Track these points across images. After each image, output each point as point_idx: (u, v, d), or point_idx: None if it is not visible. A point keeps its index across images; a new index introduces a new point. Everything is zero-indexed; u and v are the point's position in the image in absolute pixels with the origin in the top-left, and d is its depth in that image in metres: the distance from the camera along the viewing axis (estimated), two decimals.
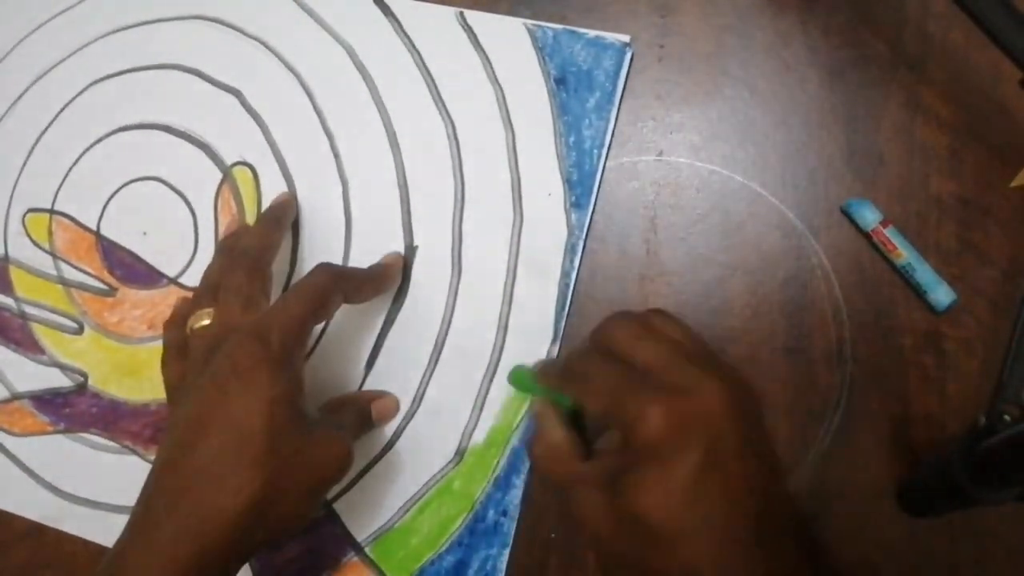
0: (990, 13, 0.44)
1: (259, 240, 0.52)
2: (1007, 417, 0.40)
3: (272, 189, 0.58)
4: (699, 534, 0.36)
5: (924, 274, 0.50)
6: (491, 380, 0.53)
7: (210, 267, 0.53)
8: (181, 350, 0.51)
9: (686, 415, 0.37)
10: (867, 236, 0.51)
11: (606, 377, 0.41)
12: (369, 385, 0.54)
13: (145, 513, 0.43)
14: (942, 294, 0.50)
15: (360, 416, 0.52)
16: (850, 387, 0.51)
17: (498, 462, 0.52)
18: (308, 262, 0.56)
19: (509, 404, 0.52)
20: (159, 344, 0.52)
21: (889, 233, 0.51)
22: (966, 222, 0.52)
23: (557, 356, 0.53)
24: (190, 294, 0.56)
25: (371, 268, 0.53)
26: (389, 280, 0.54)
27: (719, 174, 0.54)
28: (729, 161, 0.54)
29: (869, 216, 0.51)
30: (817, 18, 0.55)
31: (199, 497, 0.42)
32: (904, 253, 0.50)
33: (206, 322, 0.49)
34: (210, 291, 0.50)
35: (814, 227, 0.53)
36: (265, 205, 0.57)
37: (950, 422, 0.50)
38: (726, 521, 0.36)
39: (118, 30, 0.62)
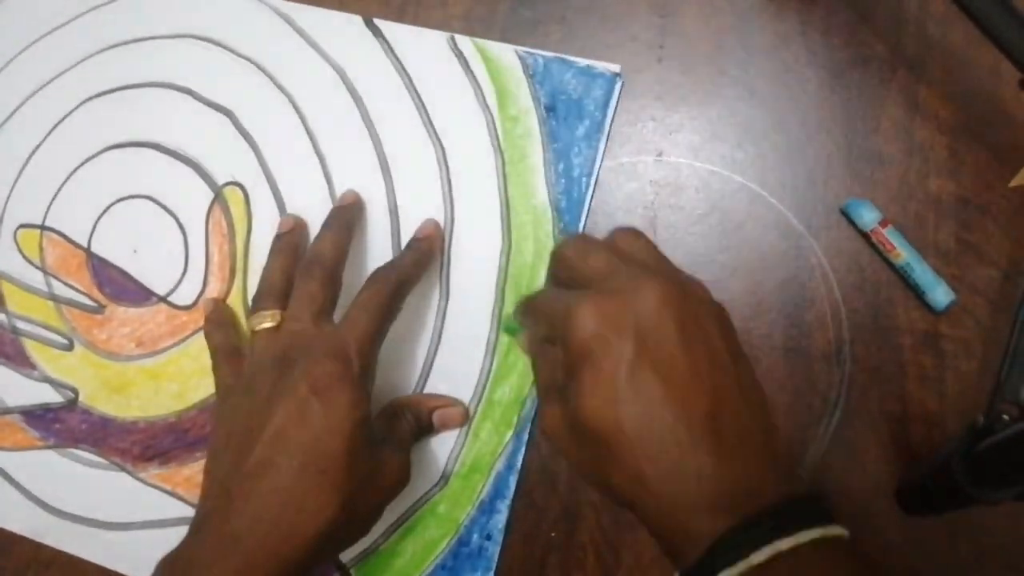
0: (990, 13, 0.44)
1: (333, 247, 0.51)
2: (1006, 417, 0.40)
3: (263, 210, 0.57)
4: (642, 438, 0.34)
5: (923, 274, 0.50)
6: (478, 403, 0.53)
7: (270, 267, 0.52)
8: (232, 352, 0.52)
9: (615, 313, 0.36)
10: (866, 236, 0.52)
11: (550, 298, 0.41)
12: None
13: (221, 524, 0.42)
14: (941, 294, 0.50)
15: (418, 423, 0.51)
16: (849, 387, 0.51)
17: (483, 486, 0.52)
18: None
19: (495, 429, 0.53)
20: (147, 362, 0.53)
21: (888, 233, 0.51)
22: (965, 222, 0.52)
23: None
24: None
25: (415, 251, 0.53)
26: (432, 255, 0.54)
27: (719, 174, 0.54)
28: (729, 161, 0.54)
29: (868, 216, 0.51)
30: (817, 19, 0.55)
31: (280, 515, 0.42)
32: (903, 253, 0.50)
33: (269, 324, 0.49)
34: (272, 293, 0.50)
35: (813, 227, 0.53)
36: (257, 226, 0.57)
37: (949, 422, 0.50)
38: (670, 423, 0.34)
39: (110, 47, 0.62)
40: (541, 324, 0.40)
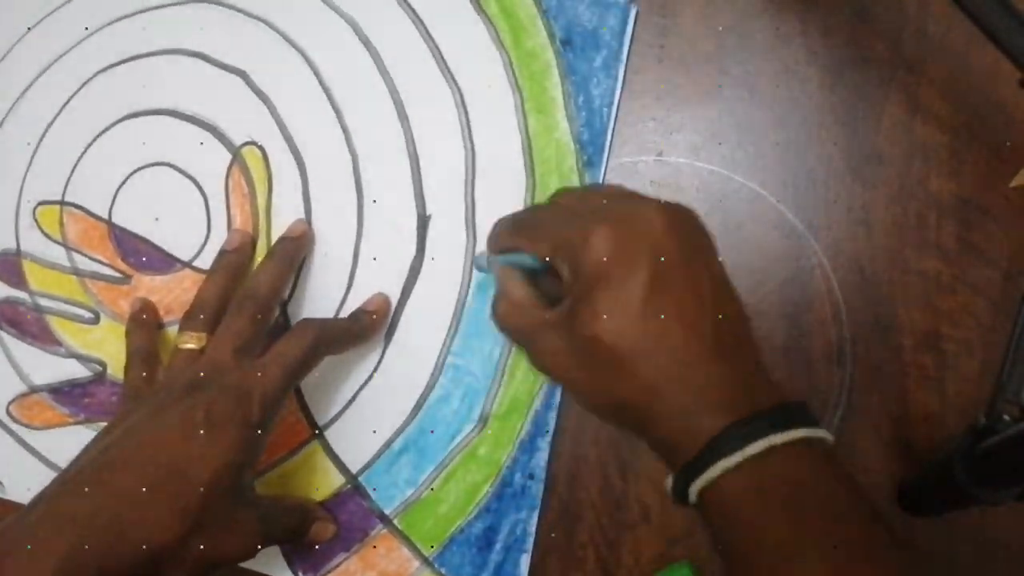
0: (990, 13, 0.44)
1: (270, 282, 0.51)
2: (1007, 417, 0.40)
3: (283, 167, 0.57)
4: (656, 352, 0.37)
5: None
6: (512, 344, 0.53)
7: (207, 286, 0.52)
8: (148, 356, 0.52)
9: (629, 236, 0.39)
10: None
11: (553, 220, 0.43)
12: (391, 355, 0.54)
13: (60, 501, 0.42)
14: None
15: (299, 525, 0.50)
16: (850, 387, 0.51)
17: (522, 426, 0.52)
18: (321, 238, 0.56)
19: (530, 368, 0.52)
20: (175, 330, 0.52)
21: None
22: (966, 222, 0.52)
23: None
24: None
25: (354, 320, 0.53)
26: (373, 332, 0.54)
27: (719, 174, 0.54)
28: (729, 161, 0.54)
29: None
30: (817, 18, 0.55)
31: (118, 516, 0.41)
32: None
33: (192, 346, 0.49)
34: (203, 314, 0.50)
35: (813, 227, 0.53)
36: (277, 184, 0.57)
37: (950, 422, 0.50)
38: (681, 337, 0.37)
39: (120, 18, 0.61)
40: (543, 244, 0.41)
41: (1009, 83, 0.48)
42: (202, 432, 0.44)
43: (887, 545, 0.35)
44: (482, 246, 0.54)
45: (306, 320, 0.52)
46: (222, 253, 0.54)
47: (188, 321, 0.51)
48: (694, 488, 0.36)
